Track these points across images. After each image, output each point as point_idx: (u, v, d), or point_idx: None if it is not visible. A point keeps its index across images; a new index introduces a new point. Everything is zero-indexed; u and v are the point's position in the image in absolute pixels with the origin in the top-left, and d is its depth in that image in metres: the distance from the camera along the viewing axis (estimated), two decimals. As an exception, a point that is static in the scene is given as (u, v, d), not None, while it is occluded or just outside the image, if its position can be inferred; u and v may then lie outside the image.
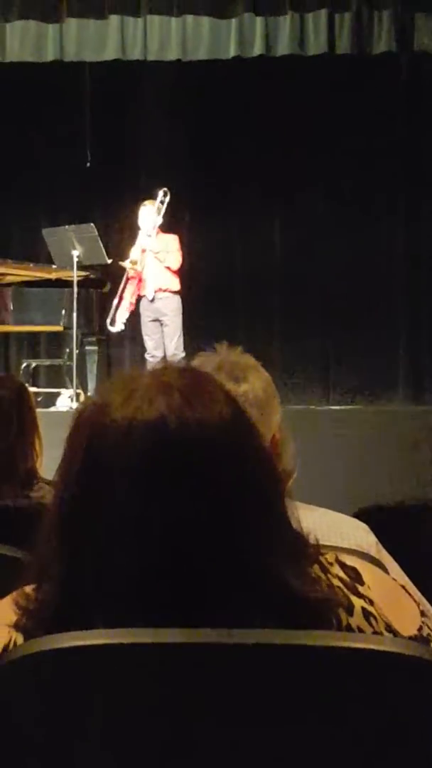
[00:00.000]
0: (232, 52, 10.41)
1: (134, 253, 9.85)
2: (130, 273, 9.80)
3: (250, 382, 2.30)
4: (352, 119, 11.47)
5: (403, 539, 2.40)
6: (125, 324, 10.00)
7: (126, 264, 9.78)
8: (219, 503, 1.37)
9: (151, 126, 11.70)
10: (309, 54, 10.39)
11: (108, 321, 9.85)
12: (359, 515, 2.56)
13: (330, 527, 2.24)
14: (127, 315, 9.83)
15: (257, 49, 10.40)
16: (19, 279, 10.27)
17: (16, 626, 1.44)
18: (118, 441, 1.38)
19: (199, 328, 10.40)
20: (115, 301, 9.84)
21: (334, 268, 11.60)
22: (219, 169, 11.71)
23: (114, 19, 10.30)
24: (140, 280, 9.79)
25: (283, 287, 11.82)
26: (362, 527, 2.33)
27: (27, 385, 9.60)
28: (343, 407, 10.91)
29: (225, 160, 11.69)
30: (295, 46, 10.32)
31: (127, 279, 9.83)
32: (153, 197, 9.99)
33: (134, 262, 9.74)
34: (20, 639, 1.43)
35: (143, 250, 9.78)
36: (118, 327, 9.86)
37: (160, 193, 9.92)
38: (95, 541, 1.38)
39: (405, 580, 2.15)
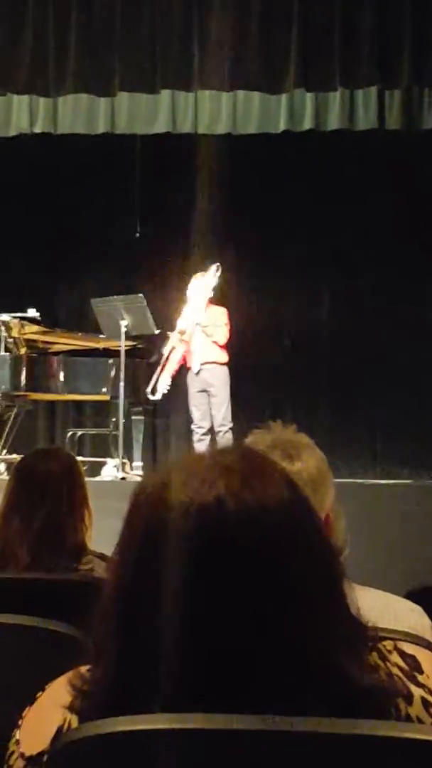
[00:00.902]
0: (282, 126, 10.51)
1: (182, 323, 9.87)
2: (176, 343, 9.81)
3: (304, 461, 2.29)
4: (401, 194, 11.50)
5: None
6: (168, 393, 10.01)
7: (174, 334, 9.80)
8: (277, 586, 1.36)
9: (200, 198, 11.78)
10: (358, 129, 10.47)
11: (149, 389, 9.83)
12: (411, 596, 2.53)
13: (383, 609, 2.22)
14: (168, 384, 9.81)
15: (307, 124, 10.49)
16: (67, 348, 10.34)
17: (71, 708, 1.43)
18: (176, 523, 1.38)
19: (246, 398, 10.40)
20: (158, 370, 9.83)
21: (381, 337, 11.57)
22: (268, 241, 11.76)
23: (165, 93, 10.44)
24: (187, 351, 9.80)
25: (330, 357, 11.80)
26: (416, 609, 2.31)
27: (74, 453, 9.63)
28: (391, 481, 10.83)
29: (274, 233, 11.74)
30: (345, 121, 10.41)
31: (172, 349, 9.83)
32: (204, 270, 10.00)
33: (182, 332, 9.76)
34: (75, 721, 1.42)
35: (193, 323, 9.78)
36: (158, 395, 9.85)
37: (213, 268, 9.93)
38: (151, 624, 1.37)
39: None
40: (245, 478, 1.40)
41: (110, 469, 9.42)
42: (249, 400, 10.48)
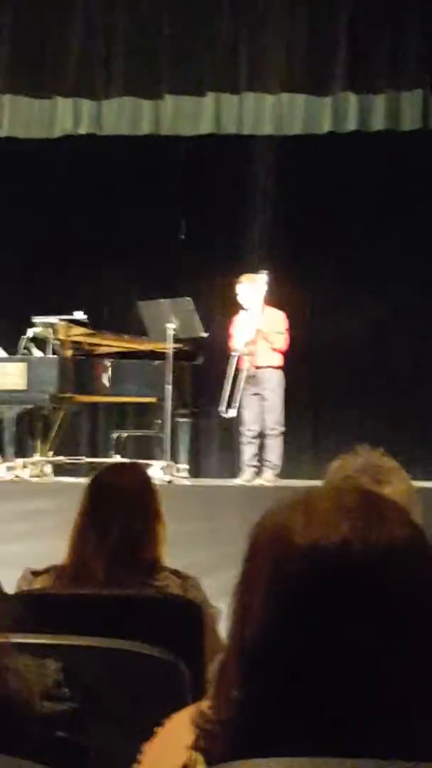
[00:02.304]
0: (326, 128, 10.50)
1: (246, 335, 9.77)
2: (242, 354, 9.73)
3: (393, 485, 2.30)
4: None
5: None
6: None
7: (243, 350, 9.71)
8: (406, 626, 1.36)
9: (245, 199, 11.80)
10: (404, 129, 10.45)
11: (223, 407, 9.79)
12: None
13: None
14: (239, 400, 9.77)
15: (351, 125, 10.47)
16: (113, 350, 10.37)
17: (195, 747, 1.44)
18: (301, 567, 1.38)
19: (298, 404, 10.40)
20: (227, 387, 9.76)
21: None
22: (312, 243, 11.74)
23: (210, 96, 10.45)
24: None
25: (377, 363, 11.76)
26: None
27: (118, 455, 9.66)
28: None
29: (318, 235, 11.72)
30: (390, 122, 10.39)
31: (239, 362, 9.76)
32: (250, 272, 9.97)
33: (249, 343, 9.69)
34: (200, 760, 1.42)
35: (257, 331, 9.73)
36: (231, 413, 9.81)
37: (264, 274, 9.88)
38: (278, 667, 1.37)
39: None
40: (368, 518, 1.40)
41: (157, 472, 9.42)
42: (301, 405, 10.49)
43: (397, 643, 1.35)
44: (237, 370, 9.73)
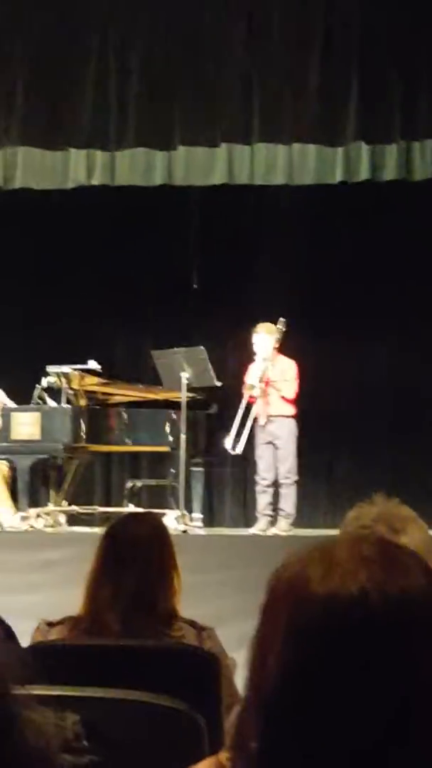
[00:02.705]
0: (338, 177, 10.55)
1: (252, 377, 9.85)
2: (252, 394, 9.80)
3: (410, 534, 2.29)
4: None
5: None
6: (224, 446, 10.02)
7: (253, 391, 9.76)
8: (428, 679, 1.35)
9: (257, 249, 11.86)
10: (415, 179, 10.49)
11: (230, 445, 9.80)
12: None
13: None
14: (245, 438, 9.80)
15: (363, 175, 10.52)
16: (127, 399, 10.39)
17: (216, 799, 1.43)
18: (319, 616, 1.37)
19: (313, 452, 10.39)
20: (236, 424, 9.80)
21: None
22: (326, 292, 11.78)
23: (223, 146, 10.50)
24: (255, 403, 9.78)
25: (392, 411, 11.75)
26: None
27: (132, 505, 9.66)
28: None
29: (332, 283, 11.76)
30: (402, 172, 10.43)
31: (249, 401, 9.82)
32: (262, 321, 10.01)
33: (250, 387, 9.76)
34: None
35: (263, 377, 9.78)
36: (239, 449, 9.83)
37: (280, 322, 9.92)
38: (296, 718, 1.36)
39: None
40: (386, 569, 1.40)
41: (171, 521, 9.40)
42: (315, 453, 10.47)
43: (417, 693, 1.34)
44: (247, 409, 9.75)
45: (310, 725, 1.35)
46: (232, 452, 9.83)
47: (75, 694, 2.14)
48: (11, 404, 10.02)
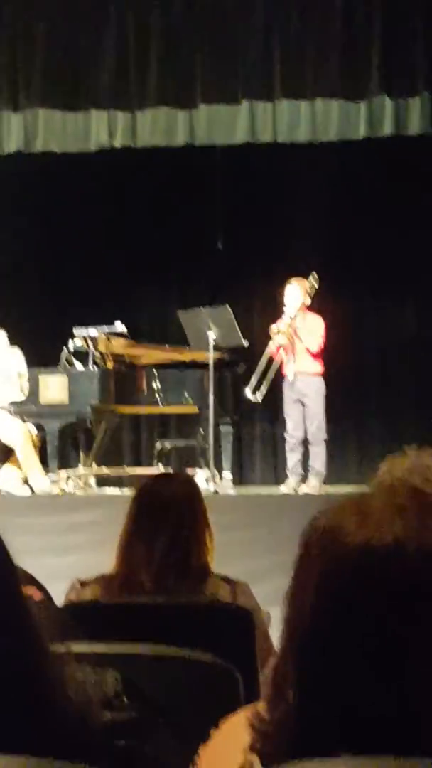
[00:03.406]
0: (362, 133, 10.46)
1: (278, 324, 9.83)
2: (279, 343, 9.75)
3: (443, 485, 2.28)
4: None
5: None
6: (255, 404, 10.00)
7: (278, 337, 9.73)
8: None
9: (281, 207, 11.80)
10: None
11: (250, 389, 9.77)
12: None
13: None
14: (268, 386, 9.76)
15: (387, 129, 10.42)
16: (154, 361, 10.39)
17: (252, 749, 1.44)
18: (354, 566, 1.37)
19: (341, 410, 10.36)
20: (258, 370, 9.77)
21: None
22: (351, 249, 11.73)
23: (244, 104, 10.43)
24: (283, 360, 9.74)
25: (423, 368, 11.72)
26: None
27: (161, 466, 9.68)
28: None
29: (357, 240, 11.71)
30: (427, 126, 10.33)
31: (277, 349, 9.78)
32: (300, 275, 9.96)
33: (276, 332, 9.72)
34: (257, 762, 1.42)
35: (291, 324, 9.75)
36: (259, 398, 9.78)
37: (312, 276, 9.89)
38: (332, 668, 1.37)
39: None
40: (421, 518, 1.40)
41: (201, 482, 9.42)
42: (343, 412, 10.44)
43: None
44: (271, 359, 9.72)
45: (346, 674, 1.35)
46: (252, 399, 9.77)
47: (113, 651, 2.15)
48: (25, 370, 9.92)
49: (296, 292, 9.82)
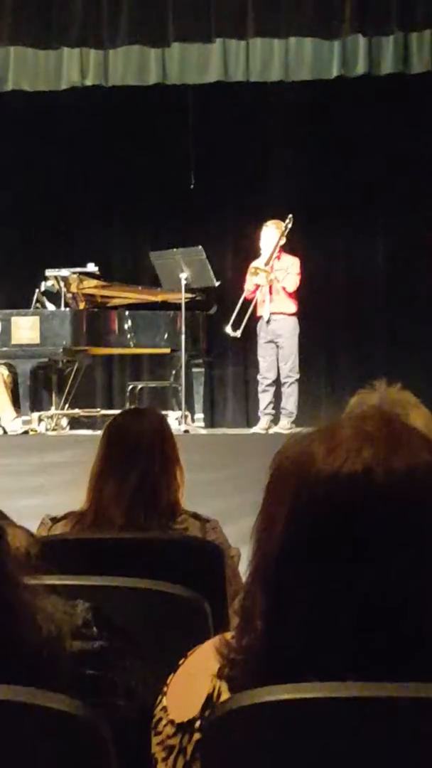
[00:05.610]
0: (335, 72, 10.39)
1: (256, 263, 9.81)
2: (257, 282, 9.72)
3: (412, 419, 2.28)
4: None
5: None
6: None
7: (257, 277, 9.69)
8: (428, 550, 1.36)
9: (253, 146, 11.74)
10: (413, 72, 10.34)
11: (229, 326, 9.75)
12: None
13: None
14: (245, 321, 9.75)
15: (360, 69, 10.37)
16: (126, 302, 10.36)
17: (220, 675, 1.44)
18: (324, 494, 1.37)
19: (313, 351, 10.35)
20: (237, 308, 9.75)
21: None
22: (322, 189, 11.67)
23: (217, 42, 10.33)
24: (257, 300, 9.72)
25: (391, 306, 11.73)
26: None
27: (134, 407, 9.66)
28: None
29: (328, 180, 11.65)
30: (399, 65, 10.27)
31: (255, 289, 9.75)
32: (269, 218, 9.93)
33: (255, 270, 9.69)
34: (224, 688, 1.43)
35: (268, 262, 9.73)
36: (239, 332, 9.76)
37: (288, 218, 9.85)
38: (301, 593, 1.37)
39: None
40: (390, 445, 1.40)
41: (172, 422, 9.44)
42: (316, 352, 10.44)
43: (421, 565, 1.34)
44: (249, 294, 9.71)
45: (314, 600, 1.36)
46: (232, 334, 9.76)
47: (83, 583, 2.16)
48: None
49: (273, 234, 9.80)
